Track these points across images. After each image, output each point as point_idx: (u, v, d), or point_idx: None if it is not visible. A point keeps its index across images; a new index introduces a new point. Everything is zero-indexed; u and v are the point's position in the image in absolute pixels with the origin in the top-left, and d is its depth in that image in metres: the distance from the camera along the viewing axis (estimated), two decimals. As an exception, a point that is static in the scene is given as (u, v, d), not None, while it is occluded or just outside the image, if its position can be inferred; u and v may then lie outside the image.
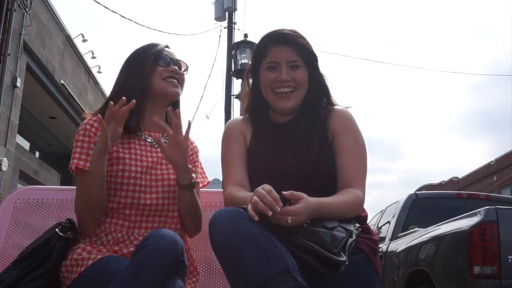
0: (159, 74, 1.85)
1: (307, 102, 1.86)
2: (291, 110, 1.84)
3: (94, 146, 1.73)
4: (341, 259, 1.46)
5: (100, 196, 1.69)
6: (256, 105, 1.91)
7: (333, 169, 1.76)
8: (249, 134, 1.90)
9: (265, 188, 1.47)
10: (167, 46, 1.94)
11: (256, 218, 1.43)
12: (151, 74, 1.85)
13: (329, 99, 1.88)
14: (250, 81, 1.93)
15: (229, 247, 1.42)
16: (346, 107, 1.89)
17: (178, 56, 1.94)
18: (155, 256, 1.42)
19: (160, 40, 1.94)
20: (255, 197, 1.46)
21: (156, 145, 1.83)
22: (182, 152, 1.70)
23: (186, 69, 1.94)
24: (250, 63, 1.94)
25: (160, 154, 1.82)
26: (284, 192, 1.48)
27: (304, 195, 1.51)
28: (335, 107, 1.88)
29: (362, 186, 1.75)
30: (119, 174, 1.74)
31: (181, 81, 1.91)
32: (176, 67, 1.89)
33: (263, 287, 1.35)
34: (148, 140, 1.85)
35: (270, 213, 1.42)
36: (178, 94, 1.90)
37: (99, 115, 1.70)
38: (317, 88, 1.86)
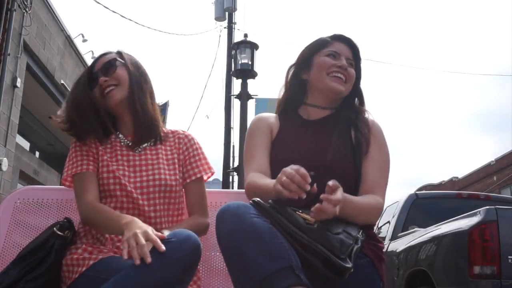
0: (98, 92, 1.82)
1: (345, 104, 1.94)
2: (340, 94, 1.89)
3: (86, 152, 1.81)
4: (347, 265, 1.44)
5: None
6: (291, 99, 1.96)
7: (360, 174, 1.79)
8: (276, 129, 1.92)
9: (293, 167, 1.46)
10: (99, 57, 1.89)
11: (287, 193, 1.42)
12: (92, 97, 1.81)
13: (363, 110, 1.95)
14: (291, 73, 1.98)
15: (234, 241, 1.42)
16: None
17: (107, 56, 1.88)
18: (177, 255, 1.40)
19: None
20: (284, 178, 1.45)
21: (138, 151, 1.85)
22: None
23: (115, 65, 1.85)
24: (300, 56, 1.98)
25: (143, 157, 1.84)
26: (330, 183, 1.46)
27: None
28: (368, 117, 1.94)
29: (383, 195, 1.78)
30: (104, 176, 1.77)
31: (118, 82, 1.83)
32: (103, 78, 1.82)
33: (265, 282, 1.35)
34: (130, 144, 1.86)
35: (304, 195, 1.42)
36: (115, 101, 1.82)
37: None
38: (356, 95, 1.96)
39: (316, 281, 1.46)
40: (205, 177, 1.91)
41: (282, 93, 2.00)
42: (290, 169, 1.46)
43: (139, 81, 1.87)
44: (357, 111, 1.93)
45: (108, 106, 1.84)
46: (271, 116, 1.97)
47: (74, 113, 1.81)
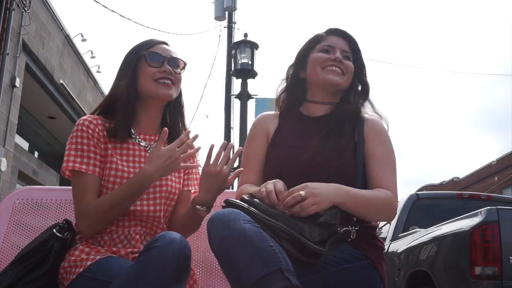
0: (150, 76, 1.77)
1: (345, 100, 1.90)
2: (338, 86, 1.86)
3: (94, 149, 1.70)
4: (319, 247, 1.47)
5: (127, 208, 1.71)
6: (292, 98, 1.95)
7: (362, 173, 1.76)
8: (274, 128, 1.92)
9: (275, 184, 1.57)
10: (163, 43, 1.86)
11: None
12: (141, 76, 1.78)
13: (362, 104, 1.90)
14: (290, 74, 1.97)
15: (225, 248, 1.42)
16: (379, 117, 1.91)
17: (175, 53, 1.84)
18: (162, 259, 1.40)
19: (159, 38, 1.89)
20: (263, 189, 1.55)
21: (149, 149, 1.79)
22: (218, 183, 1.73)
23: (183, 67, 1.84)
24: (296, 56, 1.97)
25: None
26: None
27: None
28: (369, 115, 1.89)
29: (394, 190, 1.74)
30: (111, 180, 1.71)
31: (176, 81, 1.81)
32: (170, 67, 1.79)
33: (255, 287, 1.35)
34: (142, 143, 1.81)
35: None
36: (170, 96, 1.80)
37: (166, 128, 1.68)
38: (358, 90, 1.92)
39: (315, 284, 1.46)
40: (192, 190, 1.92)
41: (280, 93, 1.99)
42: (271, 183, 1.58)
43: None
44: (357, 106, 1.88)
45: (154, 97, 1.79)
46: (271, 115, 1.97)
47: (128, 100, 1.78)
